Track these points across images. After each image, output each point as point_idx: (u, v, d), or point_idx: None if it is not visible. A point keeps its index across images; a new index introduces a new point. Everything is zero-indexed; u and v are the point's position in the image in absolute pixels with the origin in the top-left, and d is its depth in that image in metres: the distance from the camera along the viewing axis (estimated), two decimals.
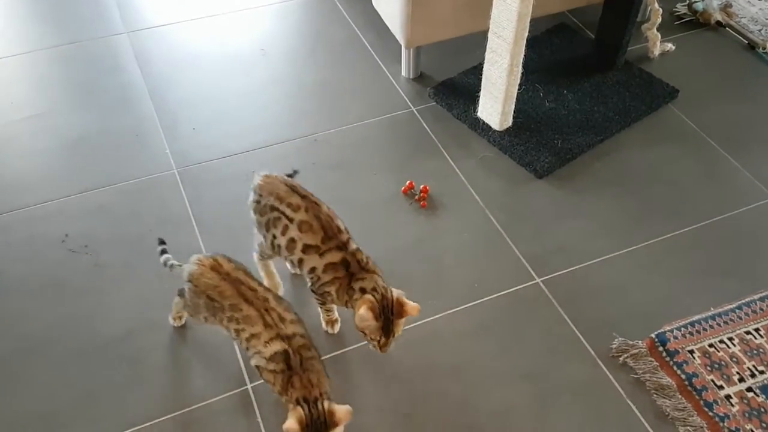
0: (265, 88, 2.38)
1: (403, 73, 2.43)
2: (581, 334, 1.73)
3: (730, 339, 1.72)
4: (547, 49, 2.50)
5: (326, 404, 1.33)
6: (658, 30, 2.45)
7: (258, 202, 1.57)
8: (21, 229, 1.94)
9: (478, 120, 2.23)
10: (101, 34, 2.57)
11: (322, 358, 1.62)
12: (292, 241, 1.52)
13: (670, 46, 2.53)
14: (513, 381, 1.65)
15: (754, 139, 2.24)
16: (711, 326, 1.74)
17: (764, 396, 1.62)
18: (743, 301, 1.79)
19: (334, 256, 1.50)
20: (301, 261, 1.53)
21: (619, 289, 1.83)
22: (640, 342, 1.71)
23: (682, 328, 1.72)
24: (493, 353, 1.70)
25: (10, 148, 2.17)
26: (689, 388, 1.63)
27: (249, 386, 1.62)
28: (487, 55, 2.07)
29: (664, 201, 2.05)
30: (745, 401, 1.60)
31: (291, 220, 1.51)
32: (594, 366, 1.68)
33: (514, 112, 2.19)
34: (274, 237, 1.55)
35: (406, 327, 1.71)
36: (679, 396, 1.61)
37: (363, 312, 1.43)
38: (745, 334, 1.73)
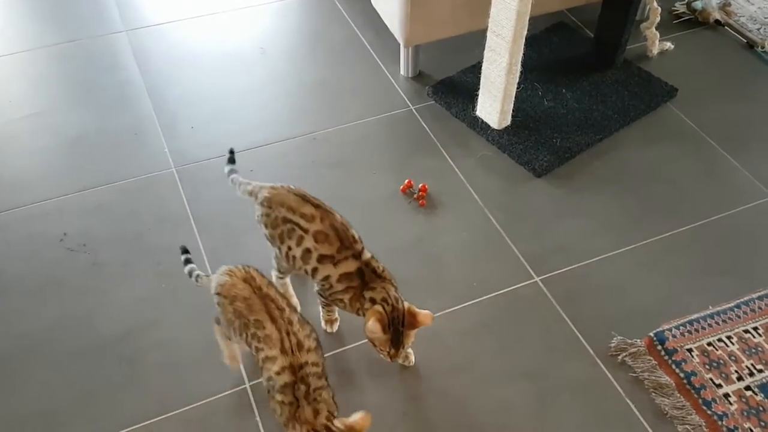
0: (265, 87, 2.38)
1: (402, 72, 2.42)
2: (580, 332, 1.73)
3: (729, 337, 1.72)
4: (546, 48, 2.50)
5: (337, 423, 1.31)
6: (657, 29, 2.45)
7: (268, 215, 1.54)
8: (19, 228, 1.94)
9: (476, 119, 2.23)
10: (100, 32, 2.57)
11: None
12: (308, 251, 1.49)
13: (668, 44, 2.53)
14: (512, 380, 1.65)
15: (753, 138, 2.24)
16: (709, 325, 1.74)
17: (762, 394, 1.62)
18: (742, 299, 1.80)
19: (350, 266, 1.48)
20: (315, 270, 1.50)
21: (617, 288, 1.83)
22: (638, 341, 1.71)
23: (681, 327, 1.73)
24: (492, 352, 1.70)
25: (9, 147, 2.17)
26: (688, 386, 1.63)
27: (247, 385, 1.62)
28: (486, 54, 2.07)
29: (663, 200, 2.05)
30: (744, 400, 1.61)
31: (306, 230, 1.48)
32: (593, 365, 1.68)
33: (513, 110, 2.19)
34: (289, 249, 1.52)
35: None
36: (678, 394, 1.62)
37: (371, 324, 1.42)
38: (743, 333, 1.73)
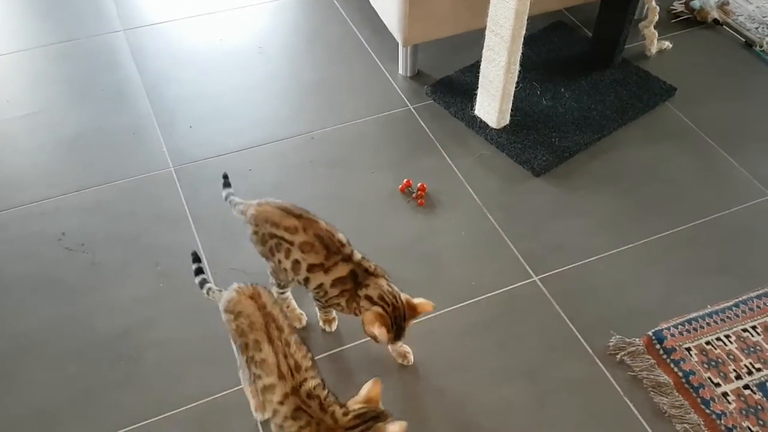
0: (263, 86, 2.38)
1: (401, 71, 2.42)
2: (578, 331, 1.73)
3: (727, 336, 1.72)
4: (545, 47, 2.49)
5: None
6: (655, 28, 2.45)
7: (256, 233, 1.56)
8: (17, 228, 1.93)
9: (475, 118, 2.23)
10: (98, 31, 2.56)
11: (320, 356, 1.62)
12: (297, 262, 1.51)
13: (667, 44, 2.53)
14: (511, 379, 1.65)
15: (751, 137, 2.24)
16: (708, 324, 1.74)
17: (761, 393, 1.62)
18: (740, 298, 1.80)
19: (342, 270, 1.49)
20: (307, 279, 1.52)
21: (616, 287, 1.83)
22: (637, 339, 1.71)
23: (679, 326, 1.73)
24: (491, 351, 1.70)
25: (7, 146, 2.16)
26: (686, 385, 1.63)
27: None
28: (485, 53, 2.07)
29: (662, 199, 2.05)
30: (742, 399, 1.61)
31: (291, 243, 1.50)
32: (591, 363, 1.68)
33: (512, 110, 2.19)
34: (280, 262, 1.54)
35: None
36: (676, 393, 1.62)
37: (377, 330, 1.44)
38: (741, 332, 1.73)
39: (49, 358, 1.67)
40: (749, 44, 2.56)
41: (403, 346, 1.65)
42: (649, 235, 1.95)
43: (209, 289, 1.50)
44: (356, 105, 2.31)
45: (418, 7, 2.17)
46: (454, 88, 2.33)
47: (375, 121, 2.26)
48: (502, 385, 1.64)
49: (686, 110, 2.31)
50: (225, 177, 1.72)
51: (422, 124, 2.25)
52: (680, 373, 1.64)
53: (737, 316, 1.76)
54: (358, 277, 1.49)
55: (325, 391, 1.33)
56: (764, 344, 1.71)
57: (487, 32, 2.03)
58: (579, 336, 1.73)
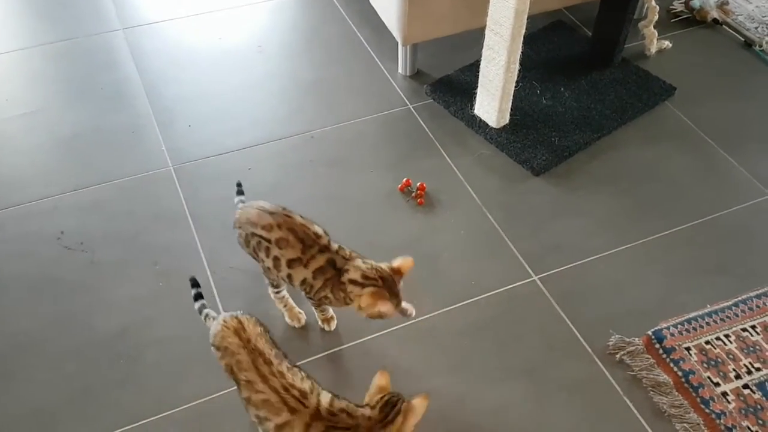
0: (262, 85, 2.37)
1: (400, 70, 2.42)
2: (578, 331, 1.73)
3: (727, 336, 1.72)
4: (545, 47, 2.49)
5: None
6: (654, 27, 2.45)
7: (240, 235, 1.59)
8: (16, 227, 1.93)
9: (475, 117, 2.22)
10: (97, 30, 2.56)
11: (320, 356, 1.62)
12: (276, 259, 1.53)
13: (666, 43, 2.53)
14: (510, 378, 1.65)
15: (751, 137, 2.24)
16: (707, 323, 1.74)
17: (760, 393, 1.62)
18: (739, 298, 1.80)
19: (320, 261, 1.50)
20: (290, 276, 1.54)
21: (615, 287, 1.83)
22: (636, 339, 1.71)
23: (679, 326, 1.73)
24: (490, 351, 1.70)
25: (5, 145, 2.16)
26: (686, 385, 1.63)
27: None
28: (484, 53, 2.07)
29: (661, 198, 2.05)
30: (742, 398, 1.61)
31: (269, 240, 1.52)
32: (591, 363, 1.68)
33: (511, 109, 2.19)
34: (263, 261, 1.56)
35: (404, 324, 1.72)
36: (676, 393, 1.62)
37: (382, 308, 1.44)
38: (741, 331, 1.73)
39: (47, 357, 1.66)
40: (749, 44, 2.56)
41: (403, 306, 1.63)
42: (649, 235, 1.95)
43: (207, 315, 1.49)
44: (355, 104, 2.31)
45: (417, 6, 2.17)
46: (454, 88, 2.33)
47: (374, 121, 2.26)
48: (502, 384, 1.64)
49: (686, 110, 2.31)
50: (239, 185, 1.74)
51: (422, 123, 2.25)
52: (680, 373, 1.64)
53: (737, 315, 1.76)
54: (337, 264, 1.50)
55: (339, 399, 1.31)
56: (764, 344, 1.71)
57: (486, 31, 2.02)
58: (578, 335, 1.73)
